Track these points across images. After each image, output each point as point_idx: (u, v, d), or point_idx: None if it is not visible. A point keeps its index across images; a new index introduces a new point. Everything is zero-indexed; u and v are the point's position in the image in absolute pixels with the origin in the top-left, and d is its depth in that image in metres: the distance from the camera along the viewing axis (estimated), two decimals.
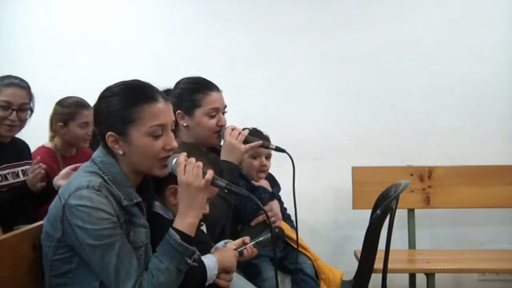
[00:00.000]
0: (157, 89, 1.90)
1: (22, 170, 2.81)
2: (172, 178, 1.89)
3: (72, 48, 4.24)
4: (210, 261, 1.96)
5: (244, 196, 1.94)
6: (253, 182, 2.73)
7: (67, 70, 4.19)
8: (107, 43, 4.23)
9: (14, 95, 2.70)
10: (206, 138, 2.49)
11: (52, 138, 3.29)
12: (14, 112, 2.69)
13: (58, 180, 2.75)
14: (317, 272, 2.72)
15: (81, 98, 3.28)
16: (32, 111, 2.79)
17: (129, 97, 1.84)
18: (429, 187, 3.95)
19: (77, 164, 2.78)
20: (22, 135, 2.97)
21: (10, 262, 1.80)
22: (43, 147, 3.25)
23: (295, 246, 2.64)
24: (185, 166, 1.83)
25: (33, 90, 2.85)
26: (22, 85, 2.76)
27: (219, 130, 2.49)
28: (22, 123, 2.76)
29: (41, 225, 1.87)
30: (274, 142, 2.66)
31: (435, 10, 4.17)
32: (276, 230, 2.57)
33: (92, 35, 4.25)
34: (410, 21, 4.20)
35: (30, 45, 4.24)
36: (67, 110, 3.22)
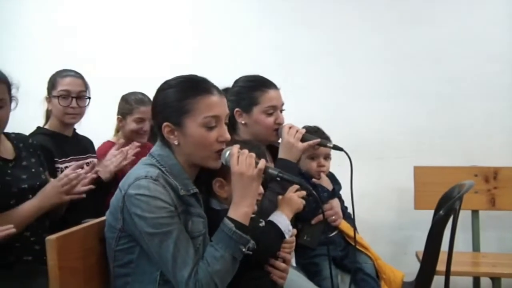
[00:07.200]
0: (212, 83, 1.96)
1: (86, 163, 2.91)
2: (217, 171, 1.95)
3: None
4: (278, 216, 2.07)
5: (296, 183, 1.99)
6: (314, 180, 2.73)
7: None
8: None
9: (71, 84, 2.91)
10: (264, 136, 2.51)
11: (116, 132, 3.46)
12: (74, 100, 2.89)
13: (107, 165, 2.91)
14: (377, 271, 2.70)
15: (143, 95, 3.38)
16: (90, 99, 2.98)
17: (185, 89, 1.91)
18: (495, 188, 3.85)
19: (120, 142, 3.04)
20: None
21: (80, 254, 1.88)
22: (108, 141, 3.37)
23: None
24: (238, 157, 1.87)
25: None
26: (77, 75, 2.97)
27: (277, 128, 2.52)
28: (82, 110, 2.95)
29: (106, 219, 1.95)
30: (336, 141, 2.65)
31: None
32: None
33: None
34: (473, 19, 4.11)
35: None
36: (127, 106, 3.37)
